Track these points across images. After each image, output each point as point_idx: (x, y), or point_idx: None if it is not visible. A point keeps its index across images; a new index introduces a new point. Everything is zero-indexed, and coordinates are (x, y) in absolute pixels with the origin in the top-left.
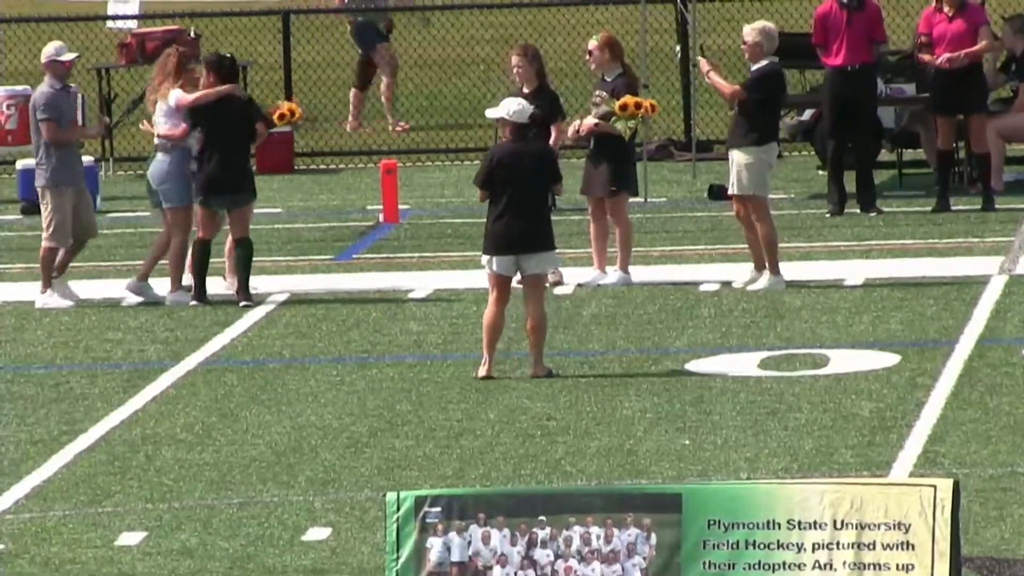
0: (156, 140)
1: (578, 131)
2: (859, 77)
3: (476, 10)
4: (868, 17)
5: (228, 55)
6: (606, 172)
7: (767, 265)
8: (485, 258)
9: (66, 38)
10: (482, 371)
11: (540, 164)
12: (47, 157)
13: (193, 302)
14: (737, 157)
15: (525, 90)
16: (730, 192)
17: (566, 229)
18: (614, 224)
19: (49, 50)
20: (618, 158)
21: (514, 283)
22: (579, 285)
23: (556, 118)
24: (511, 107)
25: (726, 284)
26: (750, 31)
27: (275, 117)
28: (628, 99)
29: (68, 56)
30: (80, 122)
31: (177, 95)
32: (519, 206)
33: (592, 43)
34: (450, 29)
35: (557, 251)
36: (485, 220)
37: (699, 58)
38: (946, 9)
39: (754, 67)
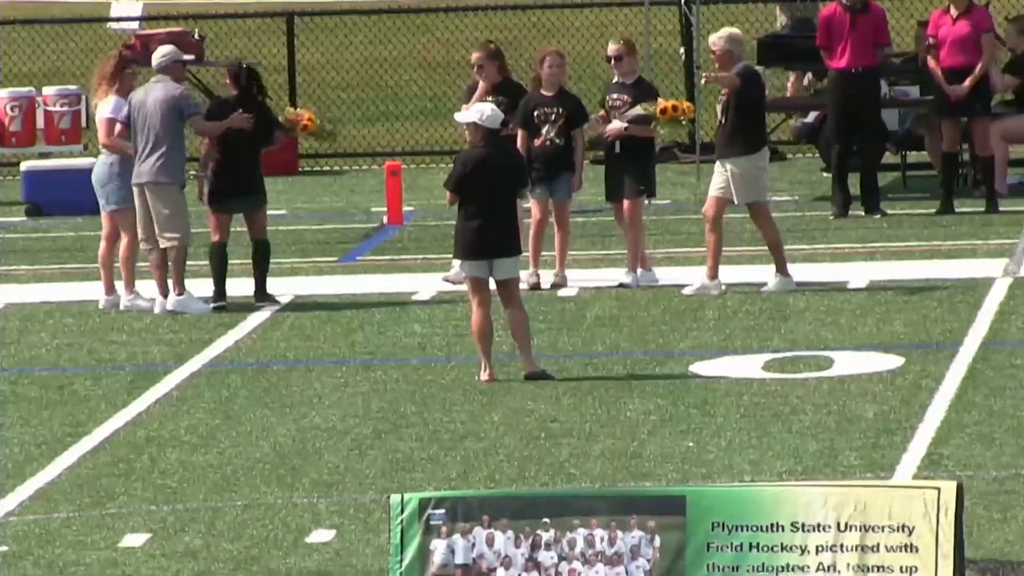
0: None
1: (604, 135)
2: (863, 80)
3: (480, 12)
4: (872, 20)
5: (245, 65)
6: (634, 174)
7: (775, 266)
8: (458, 263)
9: (69, 40)
10: (484, 376)
11: (511, 169)
12: (175, 154)
13: (213, 305)
14: (730, 167)
15: (548, 93)
16: (736, 202)
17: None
18: (628, 225)
19: (168, 51)
20: (645, 161)
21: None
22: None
23: (580, 121)
24: (484, 112)
25: (730, 286)
26: (717, 40)
27: (298, 128)
28: (664, 103)
29: (187, 56)
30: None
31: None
32: (491, 211)
33: (613, 46)
34: (454, 31)
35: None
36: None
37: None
38: (952, 11)
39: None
